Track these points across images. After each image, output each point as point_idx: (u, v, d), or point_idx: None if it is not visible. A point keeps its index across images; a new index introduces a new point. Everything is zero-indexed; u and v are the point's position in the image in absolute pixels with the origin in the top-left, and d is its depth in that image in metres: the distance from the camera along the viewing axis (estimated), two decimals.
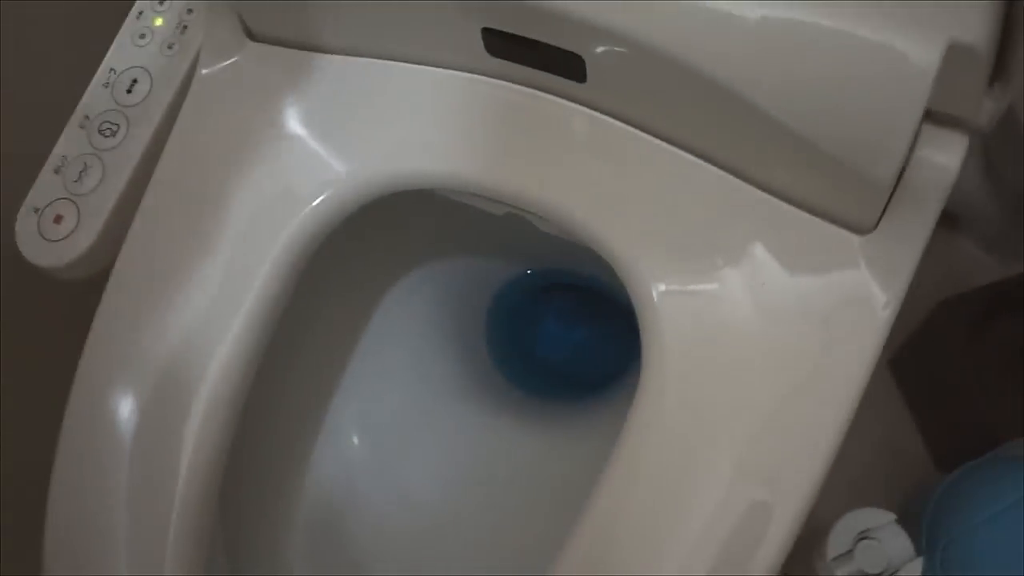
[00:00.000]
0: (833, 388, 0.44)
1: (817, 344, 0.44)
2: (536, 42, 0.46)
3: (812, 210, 0.45)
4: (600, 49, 0.45)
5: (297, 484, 0.61)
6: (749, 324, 0.45)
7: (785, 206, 0.46)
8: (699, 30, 0.41)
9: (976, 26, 0.39)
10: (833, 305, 0.44)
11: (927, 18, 0.39)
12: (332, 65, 0.52)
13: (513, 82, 0.50)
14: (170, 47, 0.58)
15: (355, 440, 0.64)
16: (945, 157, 0.43)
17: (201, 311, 0.50)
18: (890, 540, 0.59)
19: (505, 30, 0.46)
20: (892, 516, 0.60)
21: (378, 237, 0.60)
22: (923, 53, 0.39)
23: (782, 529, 0.43)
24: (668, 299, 0.46)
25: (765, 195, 0.46)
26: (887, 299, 0.44)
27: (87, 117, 0.56)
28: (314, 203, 0.50)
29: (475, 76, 0.50)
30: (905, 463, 0.73)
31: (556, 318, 0.76)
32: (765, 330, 0.45)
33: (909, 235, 0.44)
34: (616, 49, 0.43)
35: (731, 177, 0.46)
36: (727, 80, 0.41)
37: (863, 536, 0.59)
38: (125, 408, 0.50)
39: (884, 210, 0.44)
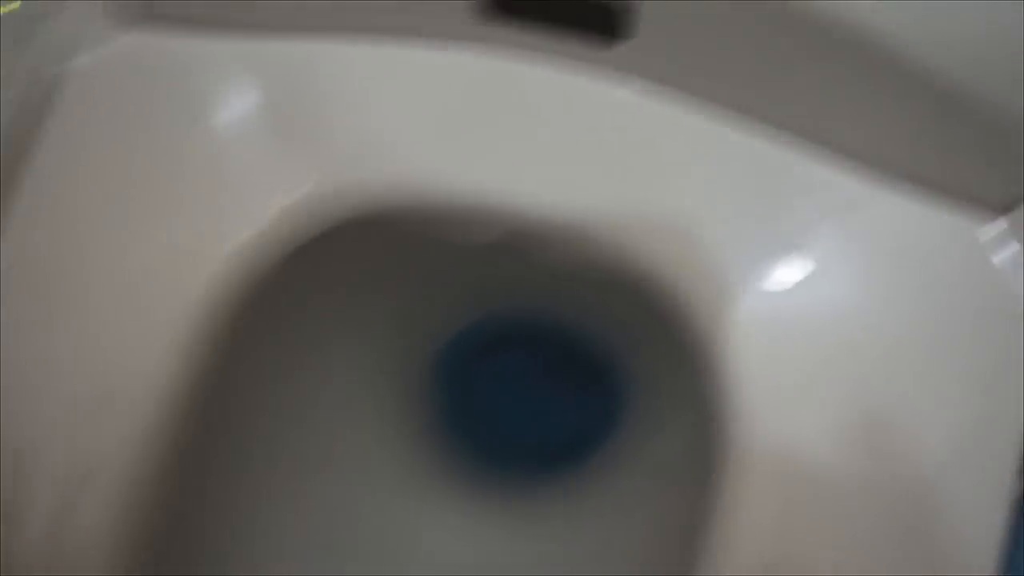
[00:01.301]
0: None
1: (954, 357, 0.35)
2: None
3: (931, 184, 0.36)
4: None
5: None
6: (850, 343, 0.36)
7: (895, 182, 0.36)
8: None
9: None
10: (966, 304, 0.35)
11: None
12: (265, 48, 0.39)
13: (512, 48, 0.38)
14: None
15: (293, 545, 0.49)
16: None
17: (98, 368, 0.36)
18: None
19: None
20: None
21: (309, 282, 0.46)
22: None
23: None
24: (744, 328, 0.36)
25: (870, 171, 0.36)
26: None
27: None
28: (252, 231, 0.37)
29: (461, 49, 0.39)
30: None
31: (511, 379, 0.63)
32: (873, 350, 0.35)
33: None
34: None
35: (822, 148, 0.37)
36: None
37: None
38: None
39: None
